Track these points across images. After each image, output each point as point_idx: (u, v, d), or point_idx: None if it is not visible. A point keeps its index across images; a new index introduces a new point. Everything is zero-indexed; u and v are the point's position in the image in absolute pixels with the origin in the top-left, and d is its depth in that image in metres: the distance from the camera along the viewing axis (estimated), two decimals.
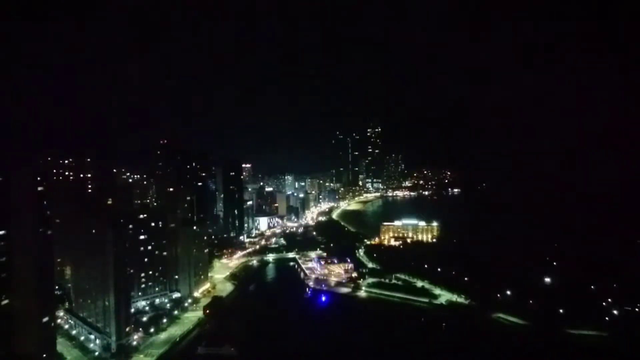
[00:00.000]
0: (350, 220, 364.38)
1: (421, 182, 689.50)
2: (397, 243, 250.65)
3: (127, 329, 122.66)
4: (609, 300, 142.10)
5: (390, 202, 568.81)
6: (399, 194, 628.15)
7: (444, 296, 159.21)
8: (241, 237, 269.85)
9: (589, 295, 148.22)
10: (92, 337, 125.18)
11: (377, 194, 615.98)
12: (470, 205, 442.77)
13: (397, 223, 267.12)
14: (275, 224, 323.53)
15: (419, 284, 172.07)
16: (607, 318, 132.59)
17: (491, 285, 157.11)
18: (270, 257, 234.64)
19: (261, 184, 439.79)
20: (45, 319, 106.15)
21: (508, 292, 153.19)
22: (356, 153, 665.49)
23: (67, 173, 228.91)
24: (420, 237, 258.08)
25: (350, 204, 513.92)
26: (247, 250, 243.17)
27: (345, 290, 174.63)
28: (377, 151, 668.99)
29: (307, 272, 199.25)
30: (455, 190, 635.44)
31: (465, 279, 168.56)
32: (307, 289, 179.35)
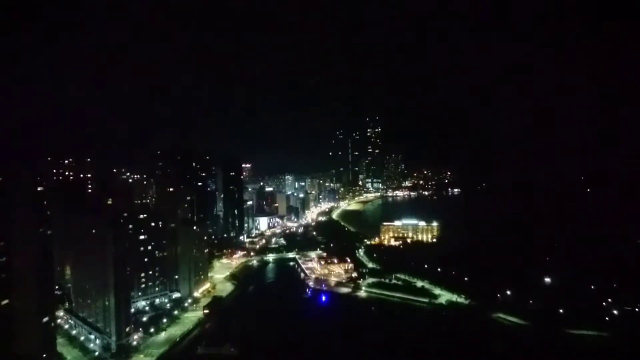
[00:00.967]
0: (350, 220, 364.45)
1: (421, 182, 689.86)
2: (397, 243, 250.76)
3: (127, 329, 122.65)
4: (609, 300, 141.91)
5: (390, 202, 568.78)
6: (399, 194, 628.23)
7: (444, 296, 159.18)
8: (241, 237, 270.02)
9: (589, 295, 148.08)
10: (92, 337, 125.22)
11: (377, 194, 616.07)
12: (470, 205, 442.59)
13: (397, 223, 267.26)
14: (275, 224, 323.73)
15: (419, 284, 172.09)
16: (607, 318, 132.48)
17: (491, 285, 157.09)
18: (270, 257, 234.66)
19: (261, 184, 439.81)
20: (45, 319, 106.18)
21: (508, 292, 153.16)
22: (356, 153, 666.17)
23: (67, 173, 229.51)
24: (420, 237, 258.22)
25: (350, 204, 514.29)
26: (247, 250, 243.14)
27: (345, 290, 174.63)
28: (377, 151, 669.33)
29: (307, 272, 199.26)
30: (455, 190, 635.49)
31: (465, 279, 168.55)
32: (307, 289, 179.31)
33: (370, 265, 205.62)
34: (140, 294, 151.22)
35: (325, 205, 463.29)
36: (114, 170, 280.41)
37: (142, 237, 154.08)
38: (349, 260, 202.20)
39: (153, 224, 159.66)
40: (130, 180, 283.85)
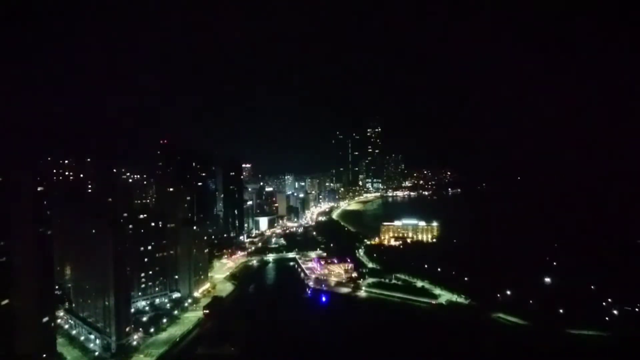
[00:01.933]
0: (350, 220, 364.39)
1: (421, 182, 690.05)
2: (397, 243, 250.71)
3: (127, 329, 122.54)
4: (609, 300, 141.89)
5: (390, 202, 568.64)
6: (399, 194, 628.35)
7: (444, 296, 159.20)
8: (241, 237, 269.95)
9: (589, 295, 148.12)
10: (92, 337, 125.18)
11: (377, 194, 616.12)
12: (470, 206, 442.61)
13: (397, 223, 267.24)
14: (275, 224, 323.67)
15: (419, 284, 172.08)
16: (607, 318, 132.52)
17: (491, 285, 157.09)
18: (270, 257, 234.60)
19: (261, 184, 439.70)
20: (45, 319, 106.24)
21: (508, 292, 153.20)
22: (356, 153, 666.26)
23: (67, 173, 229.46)
24: (420, 237, 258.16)
25: (350, 204, 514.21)
26: (247, 250, 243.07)
27: (345, 290, 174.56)
28: (377, 151, 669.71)
29: (307, 272, 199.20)
30: (456, 190, 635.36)
31: (465, 279, 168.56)
32: (307, 289, 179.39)
33: (370, 265, 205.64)
34: (140, 294, 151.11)
35: (325, 205, 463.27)
36: (114, 170, 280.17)
37: (142, 237, 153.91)
38: (349, 260, 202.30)
39: (153, 224, 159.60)
40: (130, 180, 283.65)
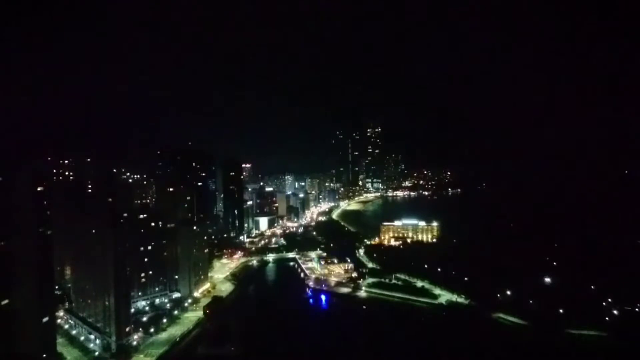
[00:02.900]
0: (350, 220, 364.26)
1: (421, 182, 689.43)
2: (397, 243, 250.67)
3: (127, 329, 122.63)
4: (609, 300, 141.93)
5: (390, 202, 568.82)
6: (399, 194, 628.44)
7: (444, 296, 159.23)
8: (241, 237, 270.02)
9: (589, 295, 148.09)
10: (92, 337, 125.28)
11: (377, 194, 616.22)
12: (470, 205, 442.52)
13: (397, 223, 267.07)
14: (275, 224, 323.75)
15: (419, 284, 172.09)
16: (607, 318, 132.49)
17: (491, 285, 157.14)
18: (270, 257, 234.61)
19: (261, 184, 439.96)
20: (45, 319, 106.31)
21: (508, 292, 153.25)
22: (356, 153, 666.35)
23: (67, 173, 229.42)
24: (420, 237, 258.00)
25: (350, 204, 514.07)
26: (247, 250, 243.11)
27: (345, 290, 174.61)
28: (377, 151, 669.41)
29: (307, 272, 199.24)
30: (456, 190, 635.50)
31: (465, 279, 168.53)
32: (307, 289, 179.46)
33: (370, 265, 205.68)
34: (140, 294, 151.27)
35: (325, 205, 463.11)
36: (114, 170, 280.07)
37: (142, 237, 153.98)
38: (349, 260, 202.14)
39: (153, 224, 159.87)
40: (130, 180, 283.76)
